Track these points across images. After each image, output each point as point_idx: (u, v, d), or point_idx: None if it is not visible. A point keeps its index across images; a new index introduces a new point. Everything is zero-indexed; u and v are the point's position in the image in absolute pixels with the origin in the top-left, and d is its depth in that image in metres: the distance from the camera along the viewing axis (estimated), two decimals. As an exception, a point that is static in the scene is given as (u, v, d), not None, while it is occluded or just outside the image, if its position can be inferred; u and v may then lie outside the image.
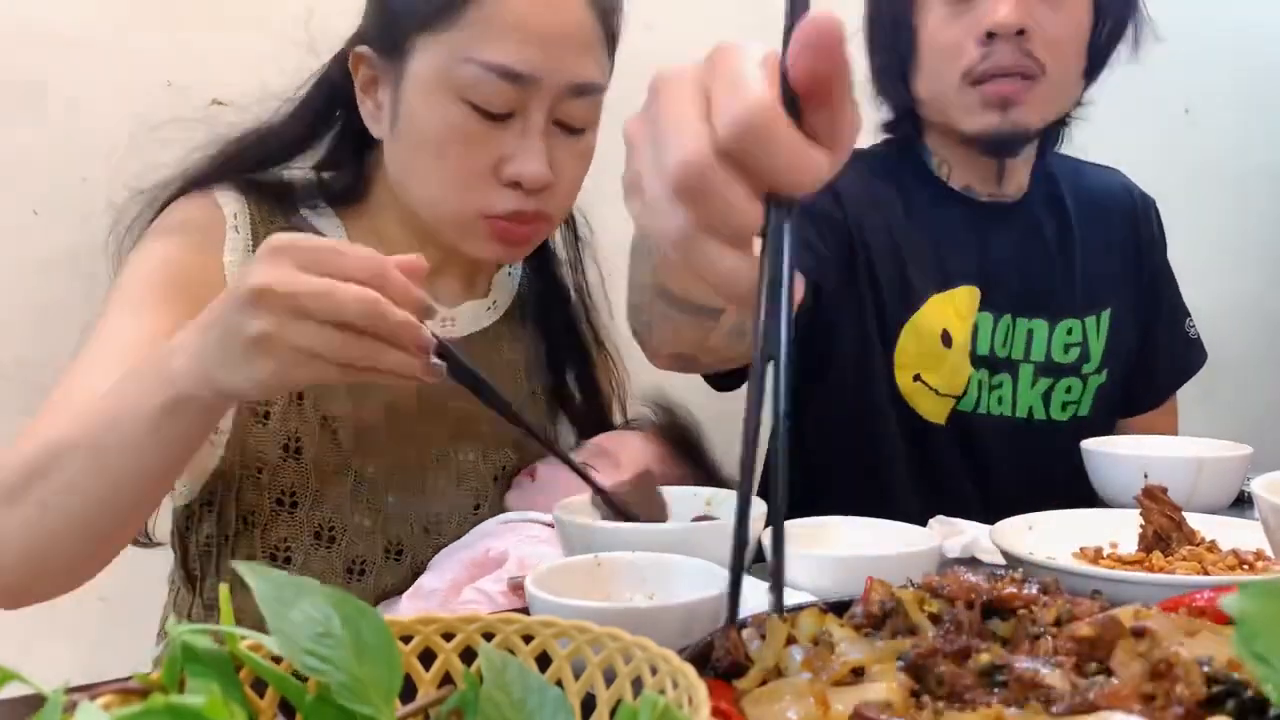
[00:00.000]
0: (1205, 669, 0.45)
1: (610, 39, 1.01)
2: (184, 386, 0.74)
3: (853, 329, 1.19)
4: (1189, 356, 1.42)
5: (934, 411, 1.21)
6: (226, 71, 1.31)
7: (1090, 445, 1.14)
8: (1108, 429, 1.30)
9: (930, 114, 1.21)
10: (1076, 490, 1.13)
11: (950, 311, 1.21)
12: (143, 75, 1.28)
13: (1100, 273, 1.27)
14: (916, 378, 1.20)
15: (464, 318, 1.10)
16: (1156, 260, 1.38)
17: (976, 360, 1.22)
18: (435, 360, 0.74)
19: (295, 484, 0.98)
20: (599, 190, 1.06)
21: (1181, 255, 1.40)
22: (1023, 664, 0.47)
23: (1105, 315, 1.27)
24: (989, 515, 0.90)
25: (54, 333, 1.24)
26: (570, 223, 1.20)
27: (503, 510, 1.07)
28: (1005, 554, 0.81)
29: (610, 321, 1.26)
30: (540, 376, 1.16)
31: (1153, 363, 1.35)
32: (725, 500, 0.95)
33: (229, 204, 1.01)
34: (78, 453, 0.78)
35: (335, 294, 0.67)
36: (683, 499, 0.96)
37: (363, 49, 0.99)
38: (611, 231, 1.25)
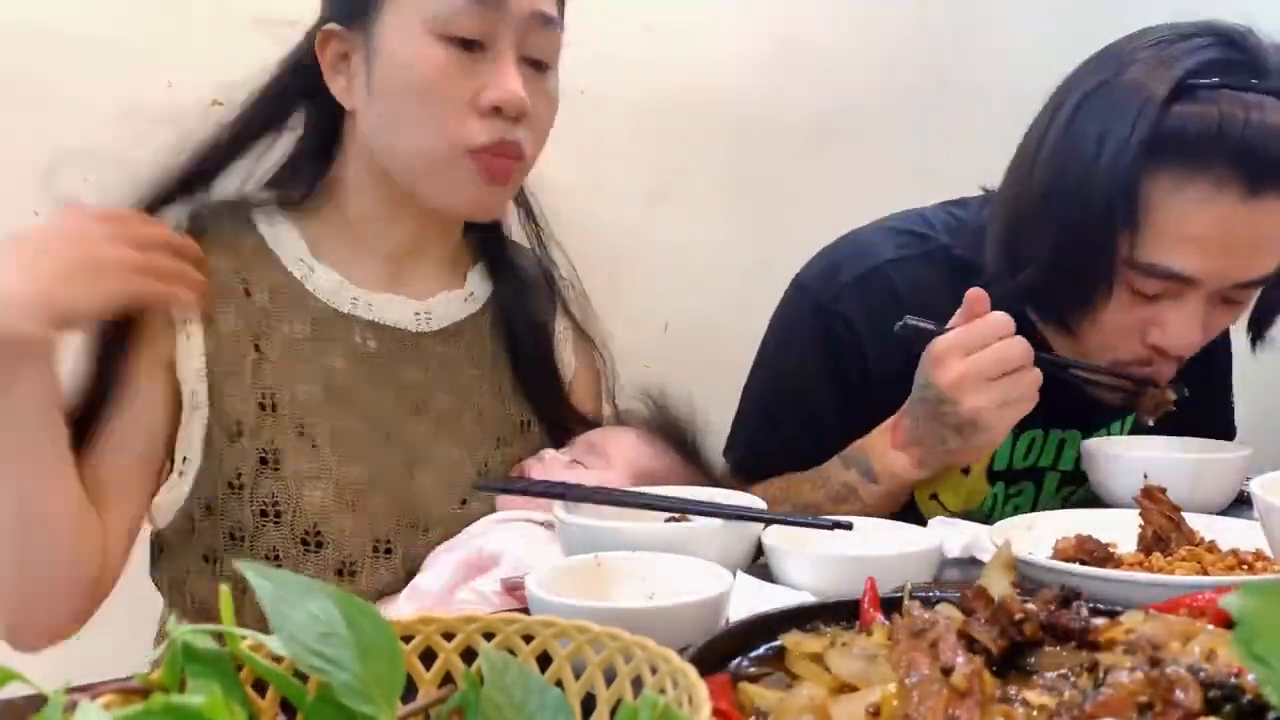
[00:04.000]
0: (1202, 675, 0.45)
1: None
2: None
3: (836, 411, 1.19)
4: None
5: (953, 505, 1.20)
6: (226, 71, 1.31)
7: (1090, 445, 1.14)
8: None
9: (1067, 348, 1.12)
10: None
11: None
12: (143, 75, 1.28)
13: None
14: (933, 496, 1.19)
15: (439, 309, 1.10)
16: (1213, 368, 1.31)
17: (994, 476, 1.21)
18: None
19: (277, 494, 0.98)
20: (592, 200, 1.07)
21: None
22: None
23: (1130, 420, 1.23)
24: None
25: (54, 332, 1.24)
26: (526, 206, 1.19)
27: (493, 508, 1.06)
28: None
29: (597, 315, 1.26)
30: (512, 371, 1.15)
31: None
32: (725, 500, 0.95)
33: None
34: None
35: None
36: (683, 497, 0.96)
37: (330, 26, 1.01)
38: (602, 231, 1.25)
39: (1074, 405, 1.13)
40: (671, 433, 1.13)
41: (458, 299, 1.12)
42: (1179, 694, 0.44)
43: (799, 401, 1.21)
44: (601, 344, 1.24)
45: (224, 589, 0.44)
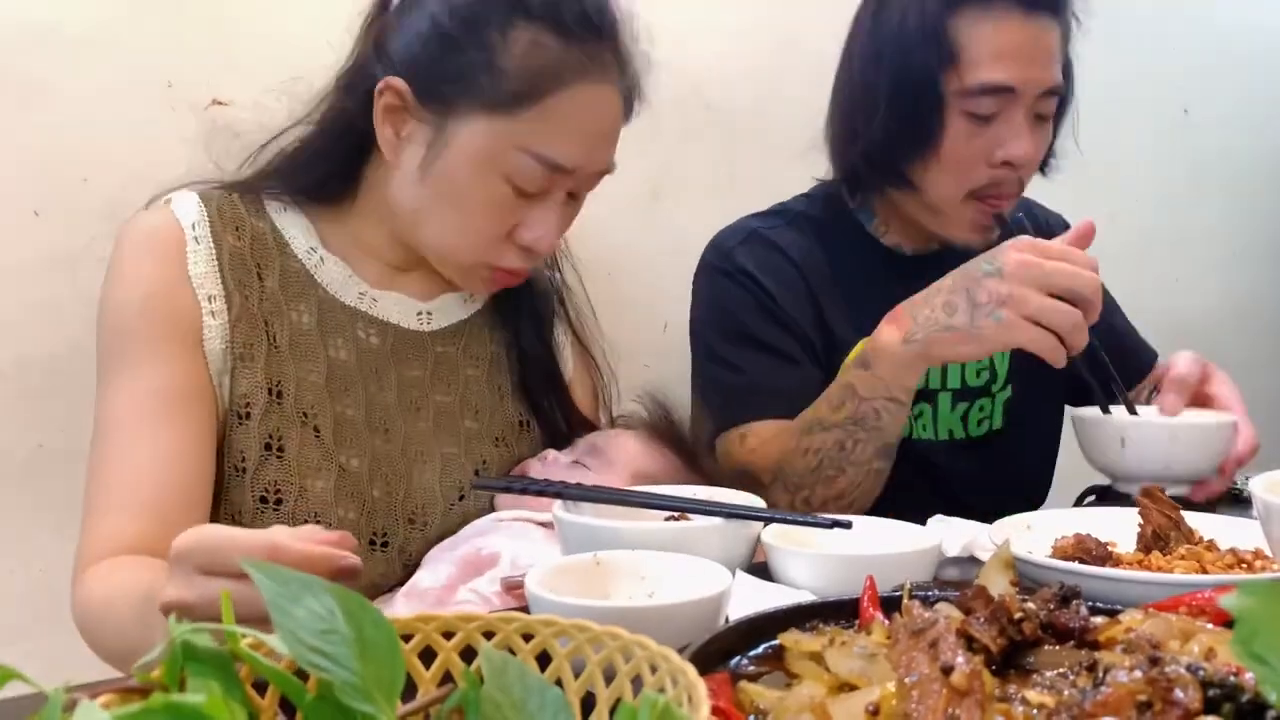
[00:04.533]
0: (1201, 674, 0.45)
1: (629, 102, 1.08)
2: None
3: (809, 359, 1.30)
4: (1141, 351, 1.49)
5: None
6: (226, 71, 1.31)
7: (1076, 412, 1.18)
8: (1024, 437, 1.38)
9: (912, 211, 1.30)
10: (1008, 495, 1.23)
11: None
12: (143, 75, 1.28)
13: None
14: None
15: (441, 310, 1.12)
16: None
17: None
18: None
19: (279, 481, 0.99)
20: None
21: (1181, 255, 1.41)
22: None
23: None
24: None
25: (54, 333, 1.24)
26: None
27: (490, 506, 1.06)
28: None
29: (596, 324, 1.26)
30: (512, 373, 1.16)
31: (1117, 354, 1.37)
32: (725, 500, 0.95)
33: (187, 213, 1.02)
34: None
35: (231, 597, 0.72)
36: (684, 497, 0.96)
37: (399, 84, 0.99)
38: (602, 231, 1.25)
39: None
40: (672, 436, 1.13)
41: (459, 300, 1.14)
42: (1178, 693, 0.44)
43: (739, 335, 1.31)
44: (600, 355, 1.25)
45: (224, 590, 0.44)
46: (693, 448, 1.13)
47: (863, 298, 1.28)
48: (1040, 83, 1.20)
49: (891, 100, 1.22)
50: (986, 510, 0.97)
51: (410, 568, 1.01)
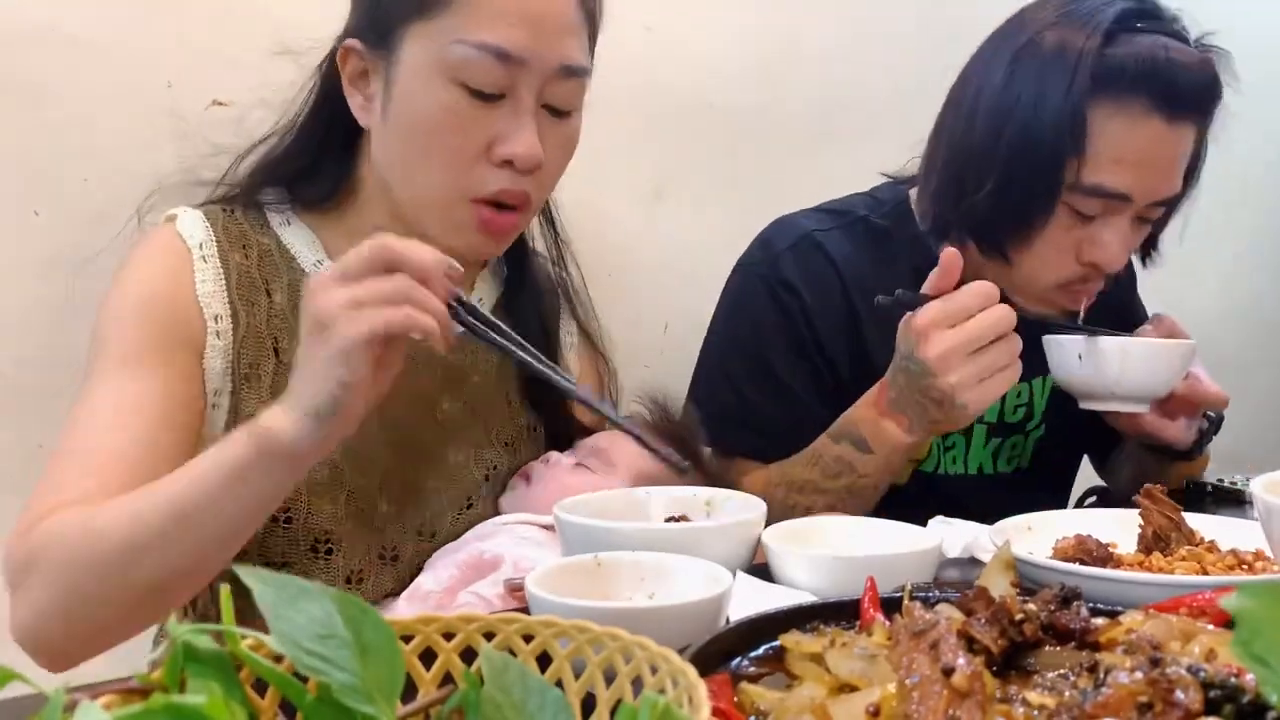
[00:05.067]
0: (1202, 675, 0.45)
1: (592, 27, 1.03)
2: (280, 439, 0.78)
3: (818, 400, 1.26)
4: None
5: None
6: (226, 71, 1.31)
7: (1048, 338, 1.18)
8: (1047, 477, 1.38)
9: (990, 271, 1.20)
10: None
11: None
12: (143, 75, 1.28)
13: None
14: None
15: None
16: (1124, 297, 1.43)
17: None
18: (455, 323, 0.82)
19: (288, 501, 0.97)
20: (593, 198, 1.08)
21: (1181, 255, 1.40)
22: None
23: (1048, 377, 1.30)
24: None
25: (54, 333, 1.24)
26: (550, 220, 1.21)
27: (496, 511, 1.06)
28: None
29: (599, 321, 1.26)
30: (520, 377, 1.14)
31: None
32: (725, 501, 0.96)
33: (193, 234, 1.01)
34: (150, 548, 0.81)
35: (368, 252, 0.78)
36: (682, 499, 0.97)
37: (352, 42, 1.00)
38: (602, 231, 1.25)
39: None
40: (674, 437, 1.12)
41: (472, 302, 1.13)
42: (1179, 694, 0.44)
43: (759, 363, 1.27)
44: (606, 353, 1.24)
45: (224, 589, 0.44)
46: (695, 449, 1.12)
47: None
48: (1157, 194, 1.15)
49: (1007, 174, 1.14)
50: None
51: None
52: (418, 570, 1.01)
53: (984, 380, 1.02)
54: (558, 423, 1.16)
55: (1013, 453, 1.35)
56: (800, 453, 1.17)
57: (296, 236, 1.06)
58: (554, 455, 1.11)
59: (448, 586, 0.92)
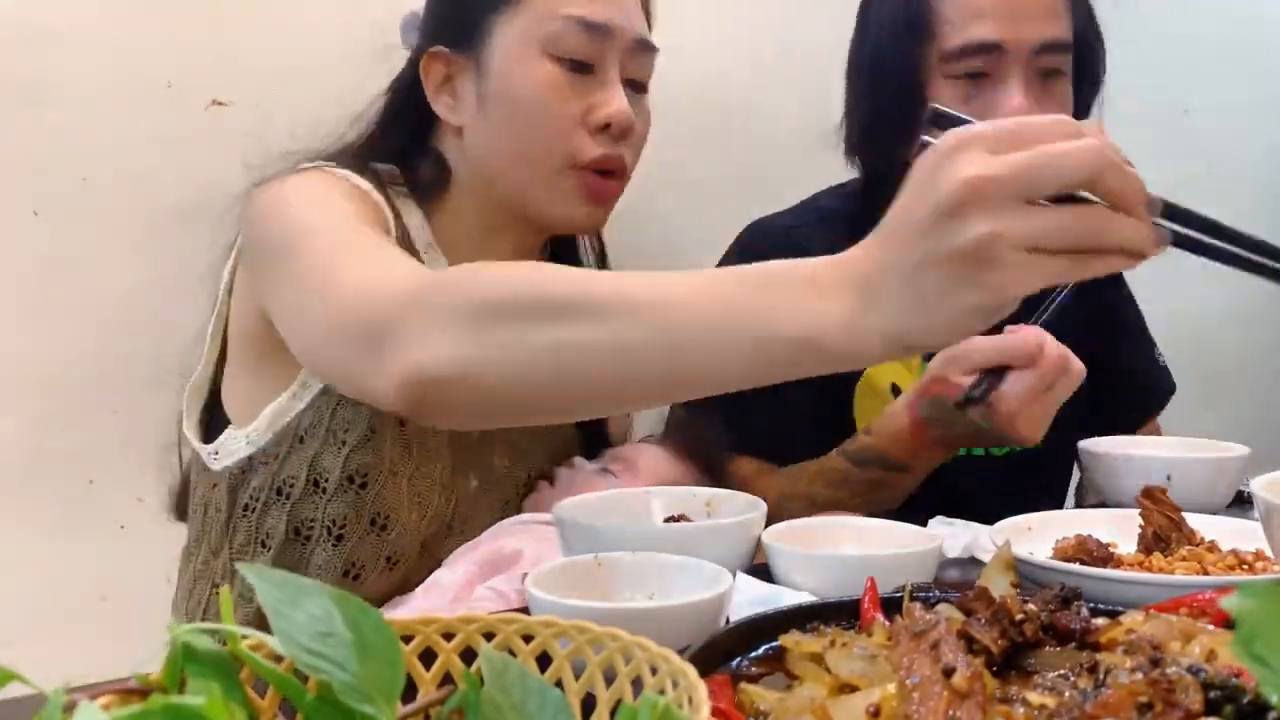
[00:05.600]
0: (1202, 675, 0.45)
1: (647, 11, 1.12)
2: (835, 338, 0.59)
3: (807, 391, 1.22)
4: (1160, 383, 1.45)
5: None
6: (226, 71, 1.31)
7: (1088, 445, 1.16)
8: (1040, 458, 1.32)
9: None
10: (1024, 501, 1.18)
11: (898, 365, 1.29)
12: (143, 75, 1.28)
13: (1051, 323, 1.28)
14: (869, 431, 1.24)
15: None
16: (1108, 295, 1.41)
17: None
18: (1162, 222, 0.58)
19: (367, 466, 0.99)
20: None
21: (1181, 257, 1.40)
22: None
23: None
24: None
25: (54, 333, 1.24)
26: (598, 237, 1.24)
27: (518, 510, 1.07)
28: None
29: None
30: None
31: (1125, 385, 1.37)
32: (725, 501, 0.95)
33: (359, 182, 1.00)
34: (637, 321, 0.65)
35: (1064, 157, 0.55)
36: (682, 499, 0.97)
37: (438, 49, 1.05)
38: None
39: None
40: (694, 447, 1.13)
41: None
42: (1179, 694, 0.44)
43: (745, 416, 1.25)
44: None
45: (224, 589, 0.44)
46: (714, 459, 1.13)
47: None
48: (1032, 38, 1.15)
49: (874, 86, 1.22)
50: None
51: None
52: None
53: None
54: (597, 429, 1.18)
55: None
56: (815, 468, 1.17)
57: (412, 217, 1.08)
58: (579, 460, 1.13)
59: (465, 581, 0.93)
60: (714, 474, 1.11)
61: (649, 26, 1.12)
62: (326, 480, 0.99)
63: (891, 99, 1.20)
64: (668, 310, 0.64)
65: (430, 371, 0.67)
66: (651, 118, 1.12)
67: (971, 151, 0.55)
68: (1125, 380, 1.36)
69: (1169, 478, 1.00)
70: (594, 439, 1.18)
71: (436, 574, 0.97)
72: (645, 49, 1.08)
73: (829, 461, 1.16)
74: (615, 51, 1.04)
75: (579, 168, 1.04)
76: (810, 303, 0.59)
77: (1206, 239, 0.63)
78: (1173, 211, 0.58)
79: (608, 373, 0.65)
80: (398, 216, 1.04)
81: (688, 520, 0.92)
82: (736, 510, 0.91)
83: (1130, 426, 1.38)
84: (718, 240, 1.45)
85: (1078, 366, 1.01)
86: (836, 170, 1.46)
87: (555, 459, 1.14)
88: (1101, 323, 1.34)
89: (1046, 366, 0.98)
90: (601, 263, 1.24)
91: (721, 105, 1.72)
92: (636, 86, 1.09)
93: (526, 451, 1.11)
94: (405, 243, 1.03)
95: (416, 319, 0.69)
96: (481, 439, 1.08)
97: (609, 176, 1.06)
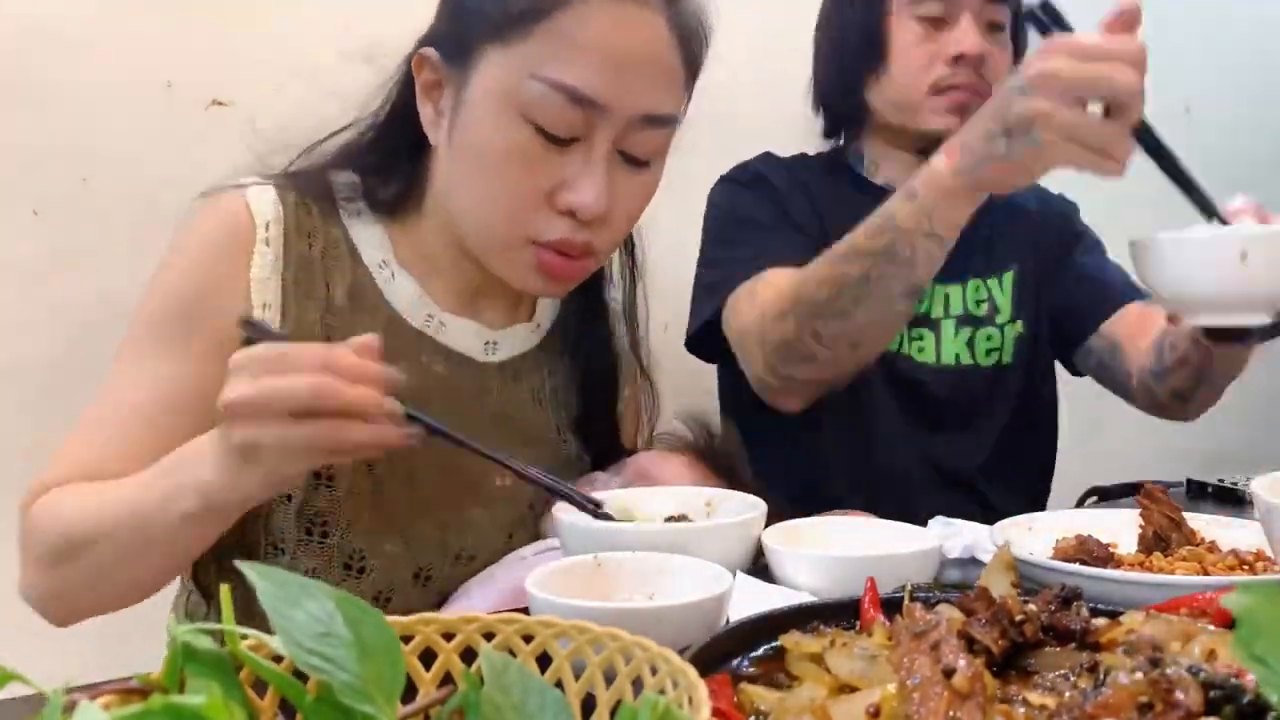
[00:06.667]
0: (1202, 675, 0.45)
1: (691, 70, 0.96)
2: (212, 496, 0.78)
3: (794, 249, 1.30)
4: (1121, 279, 1.43)
5: None
6: (226, 71, 1.31)
7: (1155, 238, 0.91)
8: (1033, 376, 1.42)
9: (888, 115, 1.35)
10: (1014, 434, 1.37)
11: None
12: (143, 75, 1.28)
13: (1004, 238, 1.42)
14: None
15: (507, 341, 1.05)
16: (1067, 228, 1.49)
17: None
18: (409, 429, 0.78)
19: (325, 512, 0.94)
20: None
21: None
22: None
23: (1009, 275, 1.41)
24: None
25: (54, 333, 1.24)
26: (628, 245, 1.15)
27: (538, 537, 1.05)
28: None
29: (647, 339, 1.22)
30: (570, 401, 1.11)
31: (1094, 286, 1.42)
32: (724, 501, 0.96)
33: (263, 211, 0.95)
34: (100, 546, 0.83)
35: (285, 388, 0.72)
36: (682, 499, 0.97)
37: (428, 51, 0.94)
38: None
39: (948, 262, 1.11)
40: (715, 456, 1.11)
41: (526, 330, 1.08)
42: (1179, 694, 0.44)
43: (751, 223, 1.35)
44: (653, 379, 1.20)
45: (224, 588, 0.44)
46: (735, 467, 1.11)
47: None
48: None
49: (840, 24, 1.35)
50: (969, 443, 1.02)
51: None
52: (448, 595, 0.98)
53: (1071, 138, 0.89)
54: (604, 448, 1.13)
55: (989, 344, 1.39)
56: (827, 252, 1.14)
57: (366, 232, 1.00)
58: (600, 476, 1.08)
59: (488, 610, 0.90)
60: (733, 480, 1.07)
61: (693, 73, 0.97)
62: (284, 540, 0.95)
63: (856, 37, 1.33)
64: (120, 532, 0.83)
65: (28, 597, 0.90)
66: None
67: (237, 377, 0.74)
68: (1086, 283, 1.42)
69: (1244, 256, 0.85)
70: (603, 449, 1.13)
71: (452, 604, 0.95)
72: (654, 124, 0.92)
73: (843, 241, 1.11)
74: (609, 127, 0.89)
75: (536, 244, 0.92)
76: (194, 478, 0.79)
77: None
78: (414, 417, 0.80)
79: (118, 578, 0.86)
80: (344, 235, 0.98)
81: (688, 520, 0.92)
82: (736, 510, 0.91)
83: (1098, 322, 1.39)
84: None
85: (1122, 136, 0.90)
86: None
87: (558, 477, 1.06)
88: (1056, 250, 1.44)
89: (1108, 40, 0.89)
90: (630, 254, 1.16)
91: (720, 106, 1.72)
92: (635, 160, 0.93)
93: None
94: (352, 259, 0.98)
95: (24, 544, 0.89)
96: (481, 462, 0.97)
97: (570, 257, 0.94)
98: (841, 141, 1.47)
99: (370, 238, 1.00)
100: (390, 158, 1.00)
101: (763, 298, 1.20)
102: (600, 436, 1.13)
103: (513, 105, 0.88)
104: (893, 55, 1.31)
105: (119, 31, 1.26)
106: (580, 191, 0.89)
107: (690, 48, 0.94)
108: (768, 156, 1.46)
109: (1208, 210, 0.93)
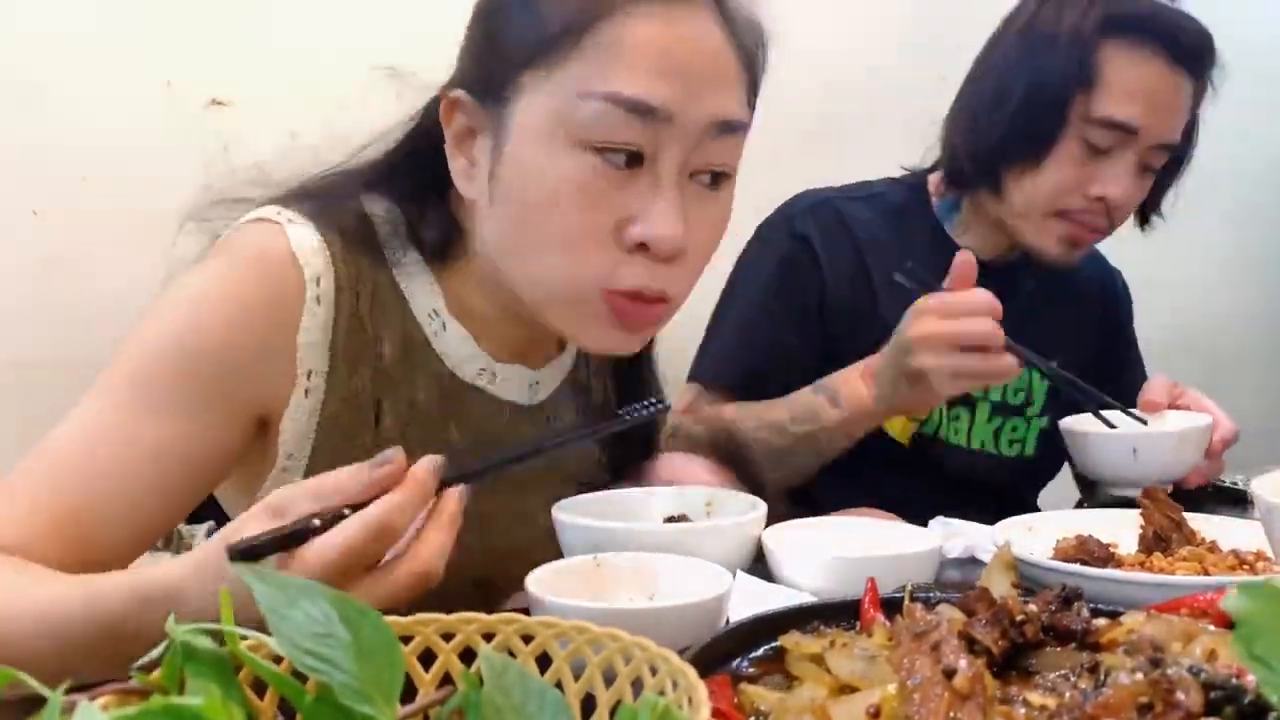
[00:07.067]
0: (1203, 675, 0.45)
1: (752, 77, 0.86)
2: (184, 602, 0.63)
3: (811, 354, 1.33)
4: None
5: (900, 431, 1.35)
6: (226, 71, 1.31)
7: (1075, 426, 1.22)
8: (1053, 464, 1.43)
9: (998, 208, 1.32)
10: (1022, 506, 1.28)
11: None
12: (143, 75, 1.28)
13: (1054, 327, 1.38)
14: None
15: (548, 378, 0.98)
16: (1115, 323, 1.51)
17: None
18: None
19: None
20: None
21: (1182, 258, 1.41)
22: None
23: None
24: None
25: (54, 333, 1.24)
26: None
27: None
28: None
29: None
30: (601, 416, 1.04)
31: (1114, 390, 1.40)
32: (725, 501, 0.95)
33: (312, 263, 0.81)
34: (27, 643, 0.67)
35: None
36: (682, 499, 0.97)
37: (458, 93, 0.82)
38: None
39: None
40: (734, 456, 1.09)
41: (561, 364, 1.00)
42: (1180, 695, 0.44)
43: (767, 323, 1.35)
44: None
45: (223, 590, 0.44)
46: (754, 466, 1.11)
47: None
48: (1161, 134, 1.24)
49: (1021, 104, 1.26)
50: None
51: None
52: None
53: (957, 378, 1.09)
54: (633, 459, 1.07)
55: (1014, 435, 1.40)
56: (761, 409, 1.25)
57: (413, 276, 0.88)
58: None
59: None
60: (756, 487, 1.05)
61: (754, 79, 0.86)
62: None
63: (1031, 126, 1.25)
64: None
65: None
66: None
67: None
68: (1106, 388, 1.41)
69: (1135, 451, 1.15)
70: (619, 471, 1.07)
71: None
72: (724, 132, 0.80)
73: (770, 411, 1.24)
74: (677, 144, 0.78)
75: (608, 292, 0.80)
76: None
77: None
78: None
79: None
80: (389, 281, 0.86)
81: (688, 520, 0.92)
82: (736, 510, 0.91)
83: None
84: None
85: (1001, 359, 1.08)
86: (838, 168, 1.46)
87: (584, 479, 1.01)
88: (1102, 350, 1.45)
89: (961, 296, 1.10)
90: None
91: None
92: (712, 177, 0.82)
93: (554, 491, 0.94)
94: (399, 307, 0.87)
95: None
96: (512, 498, 0.93)
97: (649, 303, 0.82)
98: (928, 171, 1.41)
99: (420, 285, 0.88)
100: (424, 188, 0.89)
101: (701, 419, 1.28)
102: (628, 459, 1.07)
103: (563, 133, 0.77)
104: (1050, 165, 1.25)
105: (119, 31, 1.26)
106: (653, 222, 0.78)
107: (747, 48, 0.84)
108: (820, 206, 1.38)
109: (1095, 403, 1.20)
